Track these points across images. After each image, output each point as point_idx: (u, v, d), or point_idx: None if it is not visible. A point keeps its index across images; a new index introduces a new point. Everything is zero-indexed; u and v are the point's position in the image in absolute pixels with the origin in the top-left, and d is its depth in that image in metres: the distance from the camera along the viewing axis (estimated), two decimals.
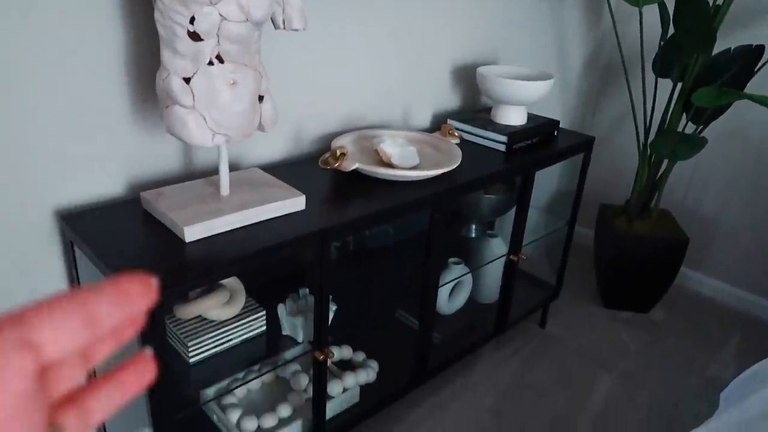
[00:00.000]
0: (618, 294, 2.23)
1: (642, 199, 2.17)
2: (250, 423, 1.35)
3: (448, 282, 1.72)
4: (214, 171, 1.34)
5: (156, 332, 0.96)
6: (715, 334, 2.18)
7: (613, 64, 2.49)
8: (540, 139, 1.75)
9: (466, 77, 1.90)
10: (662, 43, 2.00)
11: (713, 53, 1.98)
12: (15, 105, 1.01)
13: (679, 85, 2.03)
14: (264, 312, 1.31)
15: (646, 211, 2.20)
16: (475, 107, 1.98)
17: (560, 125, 2.45)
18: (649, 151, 2.09)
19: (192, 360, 1.22)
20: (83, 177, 1.15)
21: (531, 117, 1.79)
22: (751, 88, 2.09)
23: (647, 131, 2.08)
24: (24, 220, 1.09)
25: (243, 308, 1.30)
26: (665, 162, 2.13)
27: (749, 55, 1.91)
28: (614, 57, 2.47)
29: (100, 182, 1.18)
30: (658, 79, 2.08)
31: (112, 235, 1.06)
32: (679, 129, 2.07)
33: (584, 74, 2.46)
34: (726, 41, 2.10)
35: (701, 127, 2.04)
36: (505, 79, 1.63)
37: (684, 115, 2.05)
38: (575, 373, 1.92)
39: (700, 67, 1.94)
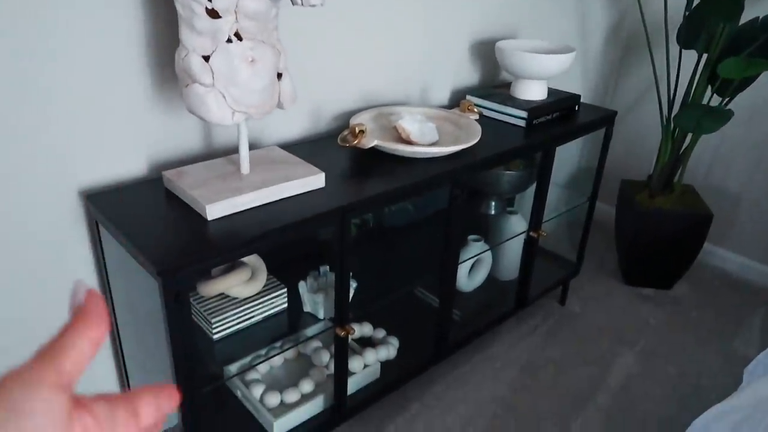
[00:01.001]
0: (639, 270, 2.21)
1: (665, 175, 2.14)
2: (273, 398, 1.38)
3: (468, 259, 1.72)
4: (235, 150, 1.35)
5: (182, 310, 0.97)
6: (738, 310, 2.16)
7: (636, 36, 2.43)
8: (560, 114, 1.72)
9: (486, 52, 1.87)
10: (687, 13, 1.95)
11: (740, 23, 1.92)
12: (38, 88, 1.02)
13: (705, 56, 1.98)
14: (285, 289, 1.33)
15: (669, 186, 2.17)
16: (494, 83, 1.96)
17: (581, 100, 2.40)
18: (672, 124, 2.05)
19: (215, 336, 1.24)
20: (106, 157, 1.16)
21: (551, 92, 1.76)
22: None
23: (671, 105, 2.03)
24: (50, 200, 1.11)
25: (265, 286, 1.32)
26: (689, 136, 2.09)
27: None
28: (637, 29, 2.41)
29: (123, 162, 1.19)
30: (683, 50, 2.02)
31: (135, 214, 1.07)
32: (704, 102, 2.02)
33: (606, 47, 2.41)
34: (754, 10, 2.03)
35: (727, 99, 1.99)
36: (524, 53, 1.60)
37: (709, 87, 2.01)
38: (596, 349, 1.91)
39: (727, 37, 1.89)
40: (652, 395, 1.74)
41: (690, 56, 2.09)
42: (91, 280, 1.23)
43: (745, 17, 1.95)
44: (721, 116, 1.80)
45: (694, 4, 1.94)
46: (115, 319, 1.26)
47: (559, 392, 1.72)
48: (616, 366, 1.84)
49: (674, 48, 2.20)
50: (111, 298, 1.24)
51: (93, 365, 1.29)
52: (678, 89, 2.20)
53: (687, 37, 1.96)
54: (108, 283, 1.22)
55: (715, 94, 1.99)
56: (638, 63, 2.47)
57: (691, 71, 2.04)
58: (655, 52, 2.30)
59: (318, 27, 1.39)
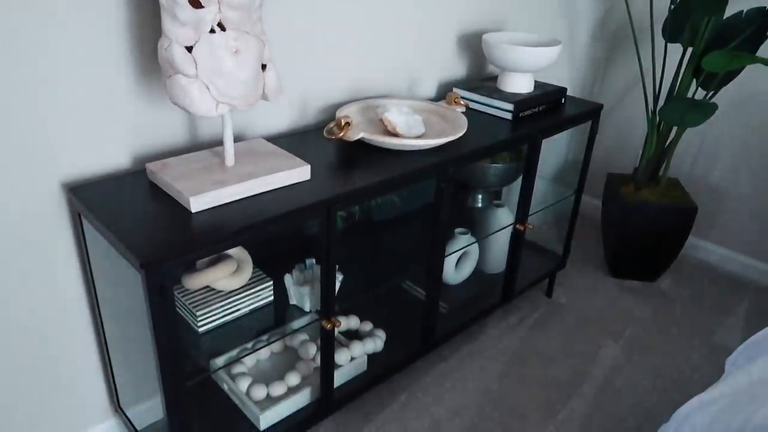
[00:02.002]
0: (625, 263, 2.23)
1: (650, 168, 2.16)
2: (260, 391, 1.38)
3: (455, 252, 1.72)
4: (220, 142, 1.34)
5: (166, 302, 0.97)
6: (722, 302, 2.18)
7: (622, 29, 2.44)
8: (547, 107, 1.73)
9: (473, 45, 1.87)
10: (672, 7, 1.96)
11: (725, 16, 1.94)
12: (19, 78, 1.01)
13: (690, 50, 1.99)
14: (271, 282, 1.32)
15: (655, 179, 2.18)
16: (481, 76, 1.96)
17: (568, 93, 2.42)
18: (658, 118, 2.06)
19: (201, 329, 1.23)
20: (89, 149, 1.15)
21: (538, 84, 1.77)
22: (763, 51, 2.04)
23: (656, 98, 2.05)
24: (33, 192, 1.10)
25: (250, 278, 1.31)
26: (674, 129, 2.10)
27: (762, 18, 1.87)
28: (624, 22, 2.42)
29: (107, 154, 1.18)
30: (668, 44, 2.04)
31: (118, 207, 1.06)
32: (689, 95, 2.04)
33: (593, 40, 2.41)
34: (738, 4, 2.05)
35: (712, 93, 2.01)
36: (510, 46, 1.60)
37: (694, 81, 2.02)
38: (581, 341, 1.93)
39: (711, 30, 1.90)
40: (636, 386, 1.75)
41: (675, 50, 2.11)
42: (75, 273, 1.22)
43: (730, 11, 1.96)
44: (705, 110, 1.82)
45: None
46: (99, 312, 1.25)
47: (545, 383, 1.74)
48: (601, 358, 1.86)
49: (660, 42, 2.22)
50: (95, 291, 1.23)
51: (76, 358, 1.28)
52: (663, 83, 2.22)
53: (672, 31, 1.98)
54: (92, 276, 1.21)
55: (699, 88, 2.01)
56: (624, 56, 2.48)
57: (677, 65, 2.05)
58: (641, 46, 2.31)
59: (305, 18, 1.39)
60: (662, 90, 2.15)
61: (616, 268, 2.26)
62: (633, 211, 2.11)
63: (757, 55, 1.95)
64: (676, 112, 1.86)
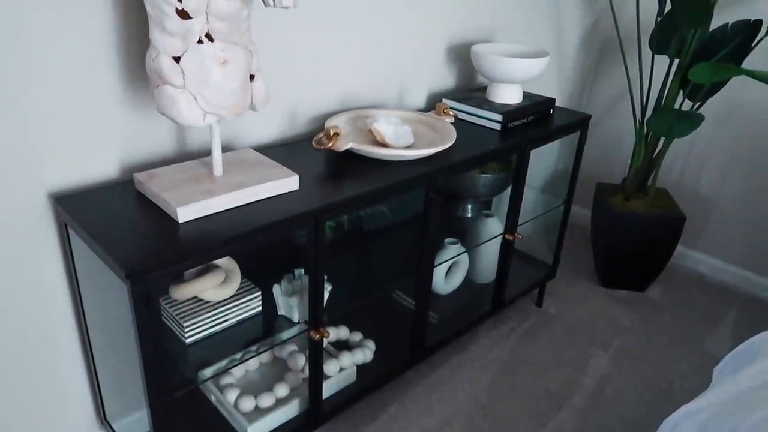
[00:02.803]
0: (614, 273, 2.24)
1: (639, 178, 2.17)
2: (248, 402, 1.36)
3: (445, 261, 1.72)
4: (208, 152, 1.34)
5: (152, 313, 0.96)
6: (711, 311, 2.20)
7: (610, 41, 2.47)
8: (536, 118, 1.74)
9: (462, 56, 1.88)
10: (659, 19, 1.98)
11: (710, 28, 1.96)
12: (6, 86, 1.01)
13: (676, 61, 2.02)
14: (259, 292, 1.32)
15: (643, 189, 2.20)
16: (471, 86, 1.97)
17: (556, 103, 2.44)
18: (646, 128, 2.08)
19: (188, 340, 1.22)
20: (76, 158, 1.14)
21: (527, 95, 1.78)
22: (748, 63, 2.07)
23: (644, 109, 2.07)
24: (18, 202, 1.09)
25: (238, 289, 1.31)
26: (662, 140, 2.12)
27: (747, 30, 1.90)
28: (611, 34, 2.45)
29: (94, 164, 1.17)
30: (655, 56, 2.06)
31: (105, 217, 1.06)
32: (676, 106, 2.06)
33: (581, 52, 2.44)
34: (724, 16, 2.08)
35: (698, 104, 2.03)
36: (499, 57, 1.61)
37: (681, 92, 2.04)
38: (571, 350, 1.93)
39: (697, 42, 1.93)
40: (626, 396, 1.76)
41: (662, 61, 2.13)
42: (61, 283, 1.21)
43: (715, 23, 1.99)
44: (692, 120, 1.83)
45: (666, 11, 1.97)
46: (85, 322, 1.24)
47: (535, 393, 1.74)
48: (590, 367, 1.86)
49: (647, 53, 2.24)
50: (81, 301, 1.22)
51: (61, 369, 1.27)
52: (651, 94, 2.24)
53: (659, 43, 2.00)
54: (78, 286, 1.20)
55: (686, 99, 2.03)
56: (613, 68, 2.50)
57: (664, 76, 2.07)
58: (629, 57, 2.33)
59: (294, 29, 1.39)
60: (650, 101, 2.17)
61: (606, 277, 2.27)
62: (622, 221, 2.12)
63: (742, 66, 1.98)
64: (664, 123, 1.88)
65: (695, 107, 2.03)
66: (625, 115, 2.49)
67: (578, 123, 1.81)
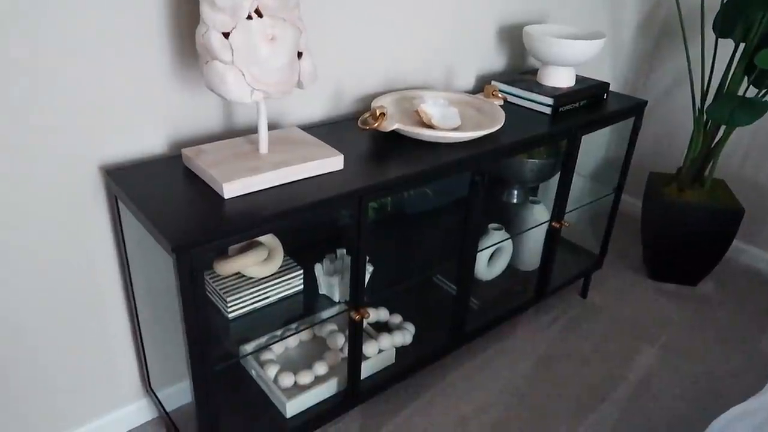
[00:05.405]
0: (664, 265, 2.16)
1: (695, 168, 2.08)
2: (287, 379, 1.38)
3: (488, 247, 1.70)
4: (255, 129, 1.34)
5: (196, 287, 0.97)
6: (767, 310, 2.10)
7: (670, 24, 2.36)
8: (588, 102, 1.68)
9: (513, 37, 1.83)
10: (725, 0, 1.88)
11: None
12: (60, 61, 1.03)
13: (742, 45, 1.91)
14: (301, 271, 1.32)
15: (699, 180, 2.11)
16: (521, 69, 1.92)
17: (610, 88, 2.35)
18: (705, 116, 1.99)
19: (231, 315, 1.24)
20: (127, 133, 1.16)
21: (579, 79, 1.72)
22: None
23: (704, 95, 1.97)
24: (71, 175, 1.12)
25: (281, 266, 1.32)
26: (722, 128, 2.02)
27: None
28: (672, 16, 2.34)
29: (143, 138, 1.19)
30: (719, 39, 1.96)
31: (153, 190, 1.07)
32: (740, 93, 1.96)
33: (639, 34, 2.34)
34: None
35: (764, 91, 1.92)
36: (552, 38, 1.56)
37: (746, 78, 1.94)
38: (616, 343, 1.88)
39: (766, 26, 1.82)
40: (671, 393, 1.70)
41: (726, 46, 2.02)
42: (110, 254, 1.24)
43: None
44: (757, 108, 1.74)
45: None
46: (133, 293, 1.28)
47: (575, 386, 1.70)
48: (635, 362, 1.81)
49: (710, 37, 2.13)
50: (129, 273, 1.25)
51: (110, 339, 1.31)
52: (712, 80, 2.13)
53: (724, 26, 1.90)
54: (126, 258, 1.23)
55: (751, 86, 1.92)
56: (672, 52, 2.39)
57: (727, 61, 1.97)
58: (690, 41, 2.23)
59: (342, 7, 1.38)
60: (711, 87, 2.07)
61: (655, 270, 2.19)
62: (675, 212, 2.04)
63: None
64: (725, 111, 1.79)
65: (760, 95, 1.92)
66: (683, 101, 2.38)
67: (633, 109, 1.74)
